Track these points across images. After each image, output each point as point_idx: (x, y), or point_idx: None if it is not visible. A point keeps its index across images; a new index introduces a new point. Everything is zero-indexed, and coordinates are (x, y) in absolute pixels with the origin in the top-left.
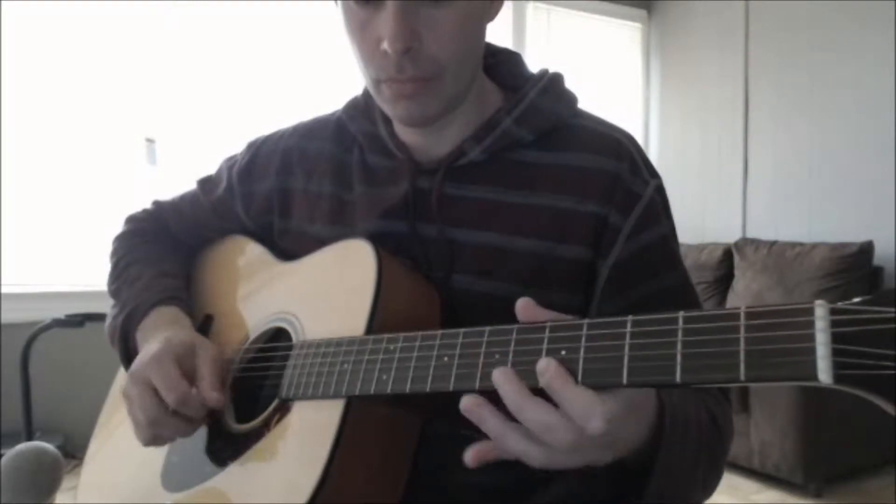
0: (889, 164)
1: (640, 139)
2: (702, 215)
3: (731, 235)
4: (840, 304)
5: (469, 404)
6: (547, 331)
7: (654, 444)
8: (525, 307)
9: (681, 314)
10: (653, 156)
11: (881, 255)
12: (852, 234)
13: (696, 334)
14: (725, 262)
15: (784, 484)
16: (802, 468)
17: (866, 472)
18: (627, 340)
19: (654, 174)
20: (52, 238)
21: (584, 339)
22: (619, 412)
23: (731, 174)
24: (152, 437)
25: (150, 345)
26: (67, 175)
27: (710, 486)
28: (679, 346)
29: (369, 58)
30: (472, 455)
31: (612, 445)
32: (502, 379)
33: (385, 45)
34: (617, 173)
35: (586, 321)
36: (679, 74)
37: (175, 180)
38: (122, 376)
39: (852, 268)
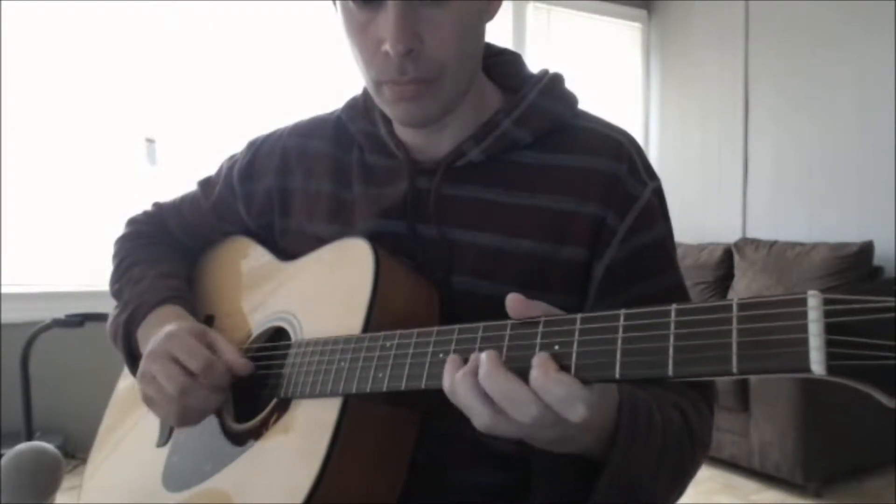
0: (889, 164)
1: (640, 139)
2: (702, 215)
3: (731, 235)
4: (833, 295)
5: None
6: (540, 326)
7: (610, 440)
8: (514, 302)
9: (673, 307)
10: (653, 156)
11: (881, 255)
12: (852, 234)
13: (688, 327)
14: (725, 262)
15: (784, 484)
16: (802, 468)
17: (866, 472)
18: (620, 334)
19: (652, 176)
20: (52, 238)
21: (577, 334)
22: (597, 397)
23: (731, 174)
24: (183, 410)
25: (164, 328)
26: (68, 175)
27: (676, 489)
28: (671, 339)
29: (370, 59)
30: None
31: (583, 431)
32: (484, 355)
33: (386, 47)
34: (616, 175)
35: (579, 315)
36: (679, 74)
37: (175, 180)
38: (125, 379)
39: (852, 268)
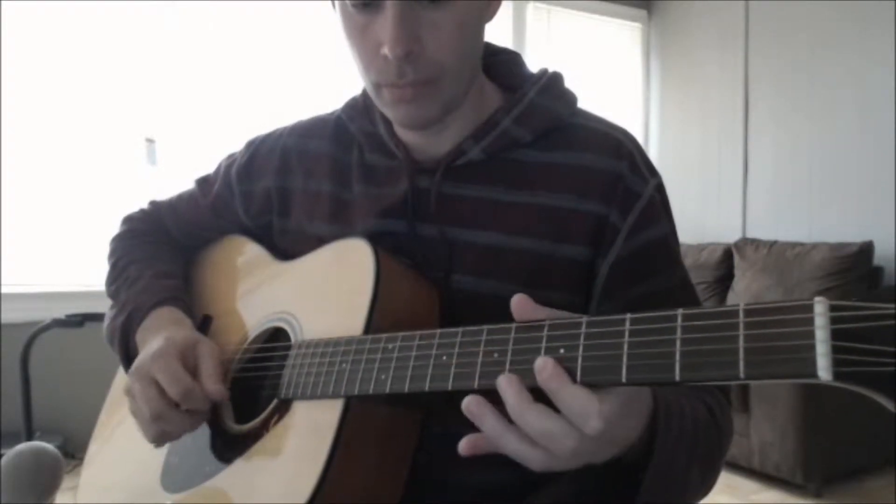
0: (889, 164)
1: (640, 139)
2: (702, 215)
3: (731, 235)
4: (839, 301)
5: (471, 405)
6: (545, 329)
7: (648, 440)
8: (520, 302)
9: (680, 312)
10: (653, 156)
11: (881, 255)
12: (852, 234)
13: (696, 332)
14: (725, 262)
15: (784, 484)
16: (802, 468)
17: (866, 472)
18: (626, 338)
19: (653, 173)
20: (52, 238)
21: (582, 338)
22: (616, 411)
23: (731, 174)
24: (158, 433)
25: (152, 343)
26: (67, 175)
27: (706, 483)
28: (678, 343)
29: (369, 62)
30: (465, 444)
31: (610, 443)
32: (505, 384)
33: (385, 50)
34: (617, 172)
35: (585, 319)
36: (679, 74)
37: (175, 180)
38: (121, 378)
39: (852, 268)
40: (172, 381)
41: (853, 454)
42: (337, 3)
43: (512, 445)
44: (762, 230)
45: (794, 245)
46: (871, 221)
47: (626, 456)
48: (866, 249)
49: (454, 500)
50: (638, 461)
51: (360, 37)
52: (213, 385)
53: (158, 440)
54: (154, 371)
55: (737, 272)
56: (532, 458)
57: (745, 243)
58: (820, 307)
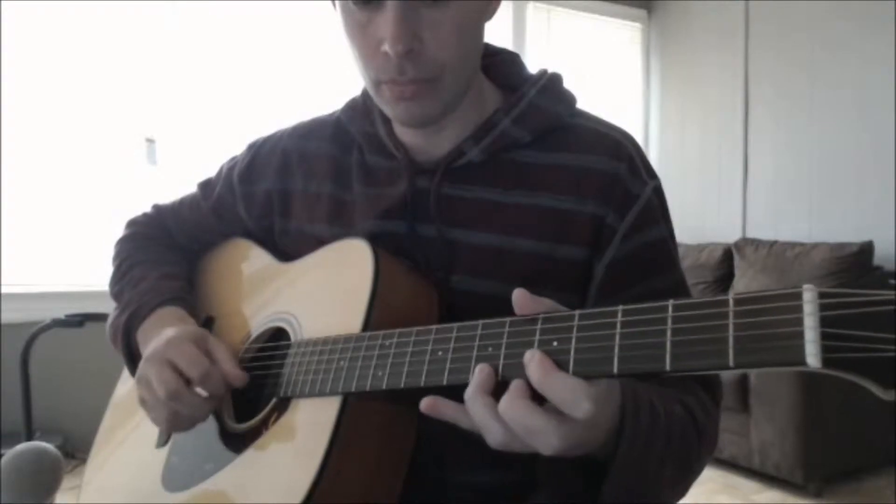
0: (889, 164)
1: (640, 139)
2: (702, 215)
3: (731, 235)
4: (828, 289)
5: (482, 371)
6: (539, 323)
7: (617, 432)
8: (520, 296)
9: (670, 303)
10: (653, 156)
11: (881, 255)
12: (852, 234)
13: (686, 322)
14: (725, 262)
15: (784, 484)
16: (802, 468)
17: (866, 472)
18: (618, 330)
19: (652, 175)
20: (52, 238)
21: (575, 330)
22: (603, 394)
23: (731, 174)
24: (171, 415)
25: (164, 333)
26: (67, 175)
27: (682, 483)
28: (668, 333)
29: (369, 59)
30: (427, 402)
31: (592, 428)
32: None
33: (386, 47)
34: (616, 173)
35: (577, 312)
36: (679, 74)
37: (175, 180)
38: (124, 379)
39: (852, 268)
40: (192, 363)
41: (853, 454)
42: (338, 1)
43: (480, 414)
44: (762, 230)
45: (794, 245)
46: (871, 221)
47: (595, 453)
48: (866, 249)
49: (453, 499)
50: (607, 455)
51: (361, 34)
52: (234, 370)
53: (173, 424)
54: (171, 355)
55: (737, 272)
56: (494, 434)
57: (745, 243)
58: (808, 295)
